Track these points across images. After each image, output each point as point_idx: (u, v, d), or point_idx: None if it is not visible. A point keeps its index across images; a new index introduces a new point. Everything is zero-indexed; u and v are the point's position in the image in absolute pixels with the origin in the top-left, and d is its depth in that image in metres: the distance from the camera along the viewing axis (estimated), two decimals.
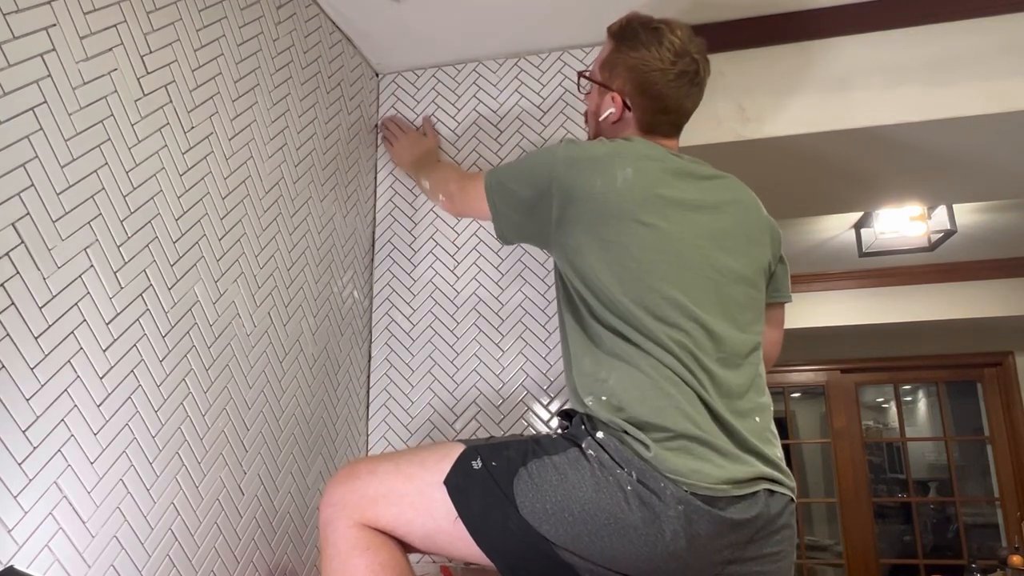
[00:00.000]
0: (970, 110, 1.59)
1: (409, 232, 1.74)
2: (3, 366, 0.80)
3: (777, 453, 1.06)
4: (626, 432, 0.99)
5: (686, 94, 1.24)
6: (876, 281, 3.91)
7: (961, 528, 4.34)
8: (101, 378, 0.93)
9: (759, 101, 1.71)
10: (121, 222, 0.99)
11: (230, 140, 1.24)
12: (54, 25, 0.90)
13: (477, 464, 1.01)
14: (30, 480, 0.82)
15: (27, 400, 0.83)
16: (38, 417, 0.84)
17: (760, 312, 1.19)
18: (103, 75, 0.97)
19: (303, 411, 1.41)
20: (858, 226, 3.26)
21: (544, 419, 1.56)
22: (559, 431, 1.11)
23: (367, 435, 1.67)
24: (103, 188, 0.96)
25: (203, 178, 1.16)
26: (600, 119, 1.30)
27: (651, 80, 1.22)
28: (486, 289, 1.66)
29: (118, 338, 0.97)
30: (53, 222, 0.88)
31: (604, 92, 1.28)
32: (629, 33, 1.25)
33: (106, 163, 0.97)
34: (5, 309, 0.81)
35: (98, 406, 0.92)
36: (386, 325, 1.71)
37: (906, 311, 3.89)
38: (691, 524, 0.92)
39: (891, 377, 4.59)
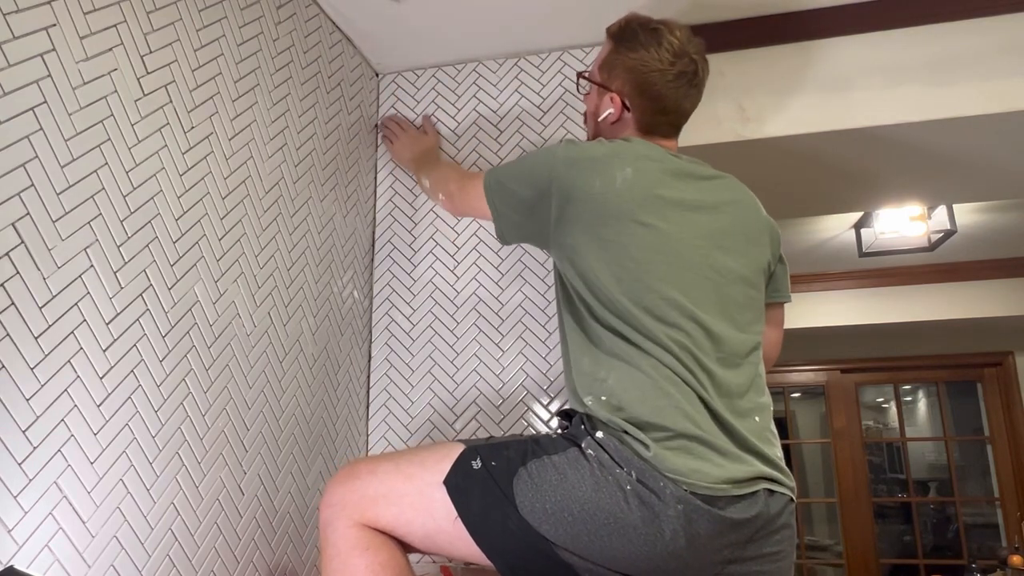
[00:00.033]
0: (970, 110, 1.59)
1: (409, 232, 1.74)
2: (3, 366, 0.80)
3: (777, 453, 1.06)
4: (626, 432, 0.99)
5: (685, 95, 1.24)
6: (876, 281, 3.91)
7: (961, 528, 4.34)
8: (101, 378, 0.93)
9: (759, 101, 1.71)
10: (121, 222, 0.99)
11: (230, 140, 1.24)
12: (54, 25, 0.90)
13: (477, 464, 1.01)
14: (30, 480, 0.82)
15: (27, 400, 0.83)
16: (38, 417, 0.84)
17: (760, 312, 1.19)
18: (103, 75, 0.97)
19: (303, 411, 1.41)
20: (858, 226, 3.26)
21: (544, 419, 1.56)
22: (559, 431, 1.11)
23: (367, 435, 1.67)
24: (103, 188, 0.96)
25: (203, 178, 1.16)
26: (599, 120, 1.30)
27: (650, 81, 1.22)
28: (486, 289, 1.66)
29: (118, 338, 0.97)
30: (53, 222, 0.88)
31: (603, 93, 1.28)
32: (628, 34, 1.25)
33: (106, 163, 0.97)
34: (5, 309, 0.81)
35: (98, 406, 0.92)
36: (386, 325, 1.71)
37: (906, 311, 3.89)
38: (691, 523, 0.92)
39: (891, 377, 4.59)
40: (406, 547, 1.05)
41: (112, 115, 0.99)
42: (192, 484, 1.08)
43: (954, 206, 2.99)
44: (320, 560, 1.06)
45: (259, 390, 1.27)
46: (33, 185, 0.86)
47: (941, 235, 3.12)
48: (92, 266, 0.93)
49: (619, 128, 1.28)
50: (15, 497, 0.80)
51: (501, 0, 1.55)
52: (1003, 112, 1.58)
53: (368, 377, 1.70)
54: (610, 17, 1.32)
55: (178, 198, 1.10)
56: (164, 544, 1.02)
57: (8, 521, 0.80)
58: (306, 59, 1.51)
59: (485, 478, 0.99)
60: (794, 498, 1.05)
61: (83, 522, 0.89)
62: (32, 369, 0.84)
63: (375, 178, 1.80)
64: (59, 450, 0.86)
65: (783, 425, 4.70)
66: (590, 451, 0.98)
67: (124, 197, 1.00)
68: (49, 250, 0.87)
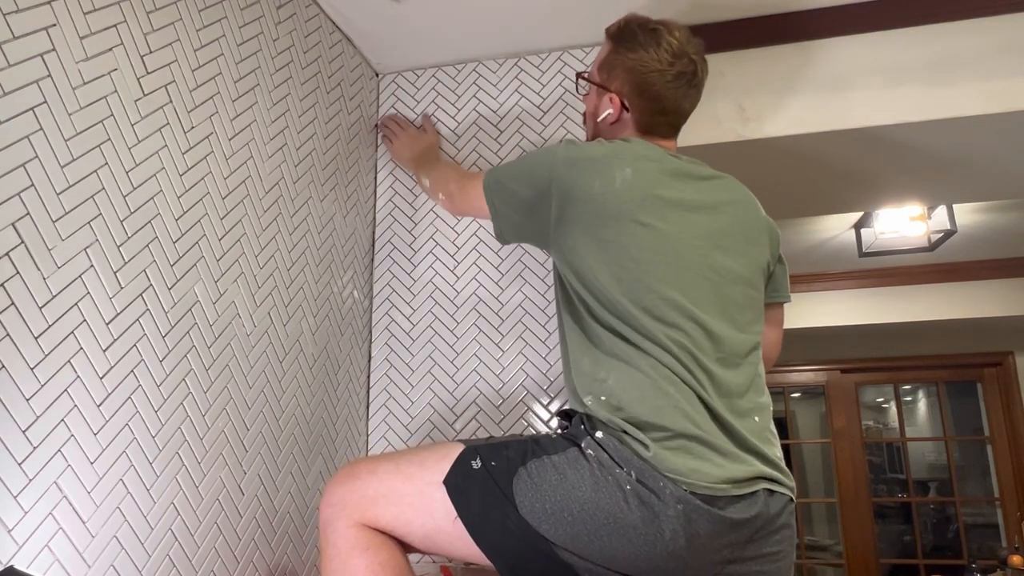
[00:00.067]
0: (970, 110, 1.59)
1: (409, 232, 1.74)
2: (3, 366, 0.80)
3: (776, 453, 1.06)
4: (625, 432, 0.99)
5: (684, 95, 1.24)
6: (876, 281, 3.91)
7: (961, 528, 4.34)
8: (101, 378, 0.93)
9: (759, 101, 1.71)
10: (121, 222, 0.99)
11: (230, 140, 1.24)
12: (54, 25, 0.90)
13: (476, 464, 1.01)
14: (30, 480, 0.82)
15: (27, 400, 0.83)
16: (38, 417, 0.84)
17: (759, 312, 1.19)
18: (103, 75, 0.97)
19: (303, 411, 1.41)
20: (858, 226, 3.26)
21: (544, 419, 1.56)
22: (559, 431, 1.11)
23: (367, 435, 1.67)
24: (103, 188, 0.96)
25: (203, 178, 1.16)
26: (598, 120, 1.30)
27: (649, 81, 1.22)
28: (486, 289, 1.66)
29: (118, 338, 0.97)
30: (53, 222, 0.88)
31: (602, 93, 1.28)
32: (627, 34, 1.25)
33: (106, 163, 0.97)
34: (5, 309, 0.81)
35: (98, 406, 0.92)
36: (386, 325, 1.71)
37: (906, 311, 3.89)
38: (690, 523, 0.92)
39: (891, 377, 4.59)
40: (406, 547, 1.05)
41: (112, 115, 0.99)
42: (192, 484, 1.08)
43: (954, 206, 2.99)
44: (320, 560, 1.06)
45: (259, 390, 1.27)
46: (33, 185, 0.86)
47: (941, 235, 3.12)
48: (92, 266, 0.93)
49: (618, 128, 1.28)
50: (15, 497, 0.80)
51: (501, 0, 1.55)
52: (1003, 112, 1.58)
53: (368, 377, 1.70)
54: (610, 17, 1.32)
55: (178, 198, 1.10)
56: (164, 544, 1.02)
57: (8, 521, 0.80)
58: (306, 59, 1.51)
59: (485, 478, 0.99)
60: (794, 498, 1.05)
61: (83, 522, 0.89)
62: (32, 369, 0.84)
63: (375, 178, 1.80)
64: (59, 450, 0.86)
65: (783, 425, 4.70)
66: (590, 451, 0.98)
67: (124, 197, 1.00)
68: (49, 250, 0.87)
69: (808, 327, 3.98)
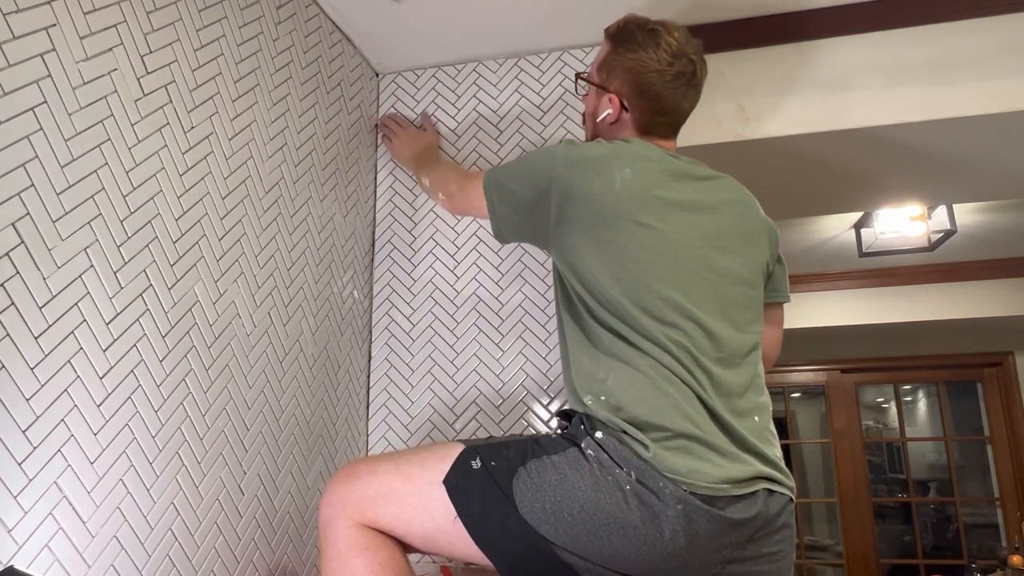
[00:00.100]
0: (970, 110, 1.59)
1: (409, 232, 1.74)
2: (3, 366, 0.80)
3: (776, 453, 1.07)
4: (625, 432, 0.99)
5: (683, 95, 1.24)
6: (876, 281, 3.91)
7: (961, 528, 4.34)
8: (101, 378, 0.93)
9: (759, 101, 1.71)
10: (121, 222, 0.99)
11: (230, 140, 1.24)
12: (54, 25, 0.90)
13: (476, 464, 1.01)
14: (30, 480, 0.82)
15: (27, 400, 0.83)
16: (38, 417, 0.84)
17: (758, 312, 1.19)
18: (103, 75, 0.98)
19: (303, 411, 1.41)
20: (858, 226, 3.26)
21: (544, 419, 1.56)
22: (558, 431, 1.11)
23: (367, 435, 1.67)
24: (103, 188, 0.96)
25: (203, 178, 1.16)
26: (597, 120, 1.30)
27: (648, 81, 1.22)
28: (486, 289, 1.66)
29: (118, 338, 0.97)
30: (53, 222, 0.88)
31: (602, 93, 1.28)
32: (626, 35, 1.25)
33: (106, 163, 0.97)
34: (5, 309, 0.81)
35: (98, 406, 0.92)
36: (386, 325, 1.71)
37: (906, 311, 3.89)
38: (690, 523, 0.92)
39: (891, 377, 4.59)
40: (406, 547, 1.05)
41: (112, 115, 0.99)
42: (192, 484, 1.08)
43: (954, 206, 2.99)
44: (320, 560, 1.06)
45: (259, 390, 1.27)
46: (33, 185, 0.86)
47: (941, 235, 3.12)
48: (92, 266, 0.93)
49: (617, 129, 1.28)
50: (15, 497, 0.80)
51: (501, 0, 1.55)
52: (1003, 112, 1.58)
53: (368, 377, 1.70)
54: (610, 17, 1.32)
55: (178, 198, 1.10)
56: (164, 544, 1.02)
57: (8, 521, 0.80)
58: (306, 59, 1.51)
59: (485, 478, 0.99)
60: (793, 498, 1.05)
61: (83, 522, 0.89)
62: (32, 369, 0.84)
63: (375, 178, 1.81)
64: (59, 450, 0.86)
65: (783, 425, 4.71)
66: (590, 451, 0.98)
67: (124, 197, 1.00)
68: (49, 250, 0.87)
69: (808, 327, 3.98)
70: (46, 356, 0.85)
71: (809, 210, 2.62)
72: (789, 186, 2.05)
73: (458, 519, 0.98)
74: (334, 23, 1.64)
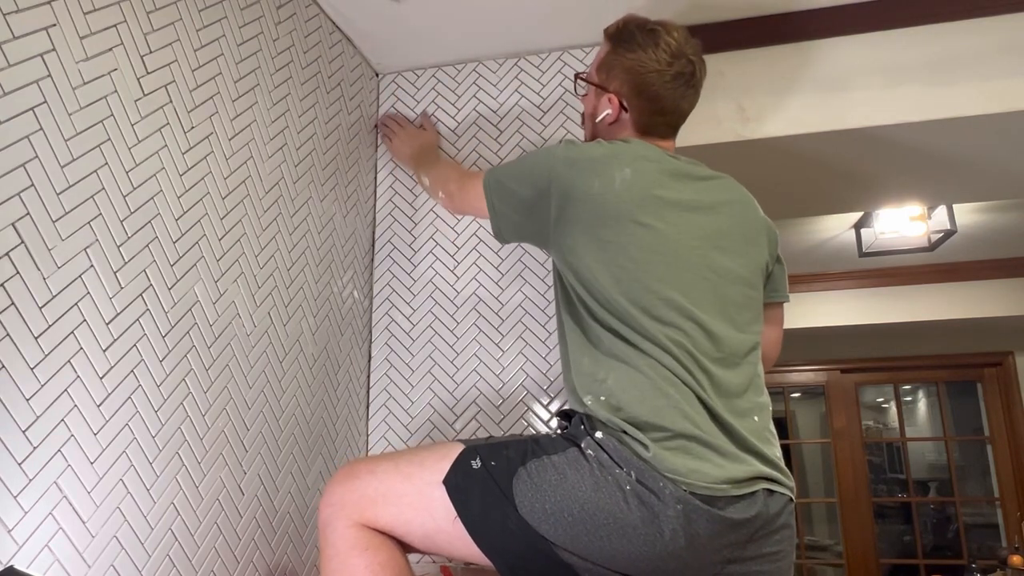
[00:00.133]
0: (970, 110, 1.59)
1: (409, 232, 1.74)
2: (3, 366, 0.80)
3: (776, 452, 1.07)
4: (625, 432, 0.99)
5: (682, 95, 1.24)
6: (876, 281, 3.91)
7: (961, 528, 4.34)
8: (101, 378, 0.93)
9: (759, 101, 1.71)
10: (121, 222, 0.99)
11: (230, 140, 1.24)
12: (54, 25, 0.90)
13: (476, 464, 1.01)
14: (30, 480, 0.82)
15: (27, 400, 0.83)
16: (38, 417, 0.84)
17: (758, 312, 1.19)
18: (103, 75, 0.98)
19: (303, 411, 1.41)
20: (858, 226, 3.26)
21: (544, 419, 1.56)
22: (558, 431, 1.11)
23: (367, 435, 1.67)
24: (103, 188, 0.96)
25: (203, 178, 1.17)
26: (597, 120, 1.30)
27: (648, 81, 1.22)
28: (486, 289, 1.66)
29: (118, 338, 0.97)
30: (53, 222, 0.88)
31: (601, 94, 1.28)
32: (626, 35, 1.25)
33: (106, 163, 0.97)
34: (5, 309, 0.81)
35: (98, 406, 0.92)
36: (386, 325, 1.71)
37: (906, 311, 3.89)
38: (690, 523, 0.92)
39: (891, 377, 4.59)
40: (406, 547, 1.05)
41: (112, 115, 0.99)
42: (192, 484, 1.08)
43: (954, 206, 2.99)
44: (320, 560, 1.06)
45: (259, 390, 1.27)
46: (33, 185, 0.86)
47: (941, 235, 3.12)
48: (92, 266, 0.93)
49: (617, 129, 1.28)
50: (15, 497, 0.81)
51: (501, 0, 1.55)
52: (1003, 112, 1.58)
53: (368, 377, 1.70)
54: (610, 17, 1.32)
55: (178, 198, 1.10)
56: (164, 544, 1.02)
57: (8, 521, 0.80)
58: (306, 59, 1.51)
59: (485, 478, 0.99)
60: (793, 498, 1.05)
61: (83, 522, 0.89)
62: (32, 369, 0.84)
63: (375, 178, 1.81)
64: (59, 450, 0.86)
65: (783, 425, 4.70)
66: (590, 451, 0.98)
67: (124, 197, 1.00)
68: (49, 250, 0.87)
69: (808, 327, 3.98)
70: (46, 356, 0.86)
71: (809, 210, 2.62)
72: (789, 186, 2.05)
73: (458, 519, 0.98)
74: (334, 23, 1.64)
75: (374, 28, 1.67)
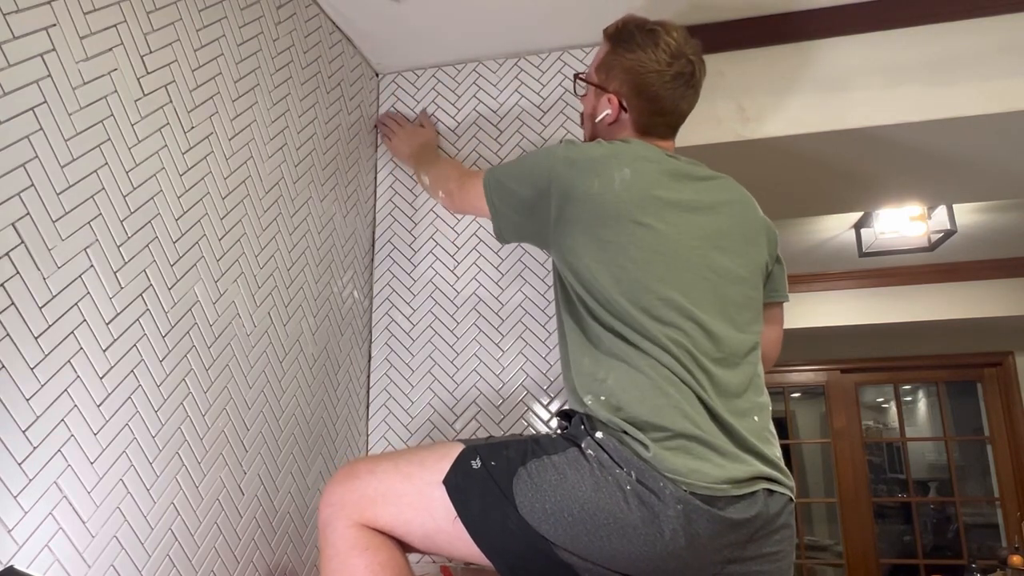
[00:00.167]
0: (970, 110, 1.59)
1: (409, 232, 1.74)
2: (3, 366, 0.80)
3: (776, 452, 1.07)
4: (625, 432, 0.99)
5: (682, 95, 1.24)
6: (876, 281, 3.91)
7: (961, 528, 4.34)
8: (101, 378, 0.93)
9: (759, 101, 1.71)
10: (121, 222, 0.99)
11: (230, 140, 1.24)
12: (54, 25, 0.90)
13: (476, 464, 1.01)
14: (30, 480, 0.82)
15: (27, 400, 0.83)
16: (38, 417, 0.84)
17: (758, 312, 1.19)
18: (103, 75, 0.98)
19: (303, 411, 1.41)
20: (858, 226, 3.26)
21: (544, 419, 1.56)
22: (558, 431, 1.11)
23: (367, 435, 1.67)
24: (103, 188, 0.96)
25: (203, 178, 1.17)
26: (596, 121, 1.30)
27: (647, 82, 1.22)
28: (486, 289, 1.66)
29: (118, 338, 0.97)
30: (53, 222, 0.88)
31: (600, 94, 1.28)
32: (625, 35, 1.25)
33: (106, 163, 0.97)
34: (5, 309, 0.81)
35: (98, 406, 0.93)
36: (386, 325, 1.71)
37: (906, 311, 3.89)
38: (690, 523, 0.92)
39: (891, 377, 4.59)
40: (405, 547, 1.05)
41: (112, 115, 0.99)
42: (192, 484, 1.08)
43: (954, 206, 2.99)
44: (319, 560, 1.06)
45: (259, 390, 1.27)
46: (33, 185, 0.86)
47: (941, 235, 3.12)
48: (92, 266, 0.93)
49: (616, 129, 1.28)
50: (15, 497, 0.81)
51: (501, 0, 1.55)
52: (1003, 112, 1.58)
53: (368, 377, 1.70)
54: (610, 17, 1.32)
55: (178, 198, 1.10)
56: (164, 544, 1.02)
57: (8, 521, 0.80)
58: (306, 59, 1.51)
59: (485, 478, 0.99)
60: (793, 498, 1.05)
61: (83, 522, 0.89)
62: (32, 369, 0.84)
63: (375, 178, 1.81)
64: (59, 450, 0.86)
65: (783, 425, 4.70)
66: (590, 451, 0.98)
67: (124, 197, 1.00)
68: (49, 250, 0.87)
69: (808, 327, 3.98)
70: (46, 356, 0.86)
71: (809, 210, 2.62)
72: (789, 186, 2.05)
73: (458, 519, 0.98)
74: (334, 23, 1.64)
75: (374, 28, 1.67)
